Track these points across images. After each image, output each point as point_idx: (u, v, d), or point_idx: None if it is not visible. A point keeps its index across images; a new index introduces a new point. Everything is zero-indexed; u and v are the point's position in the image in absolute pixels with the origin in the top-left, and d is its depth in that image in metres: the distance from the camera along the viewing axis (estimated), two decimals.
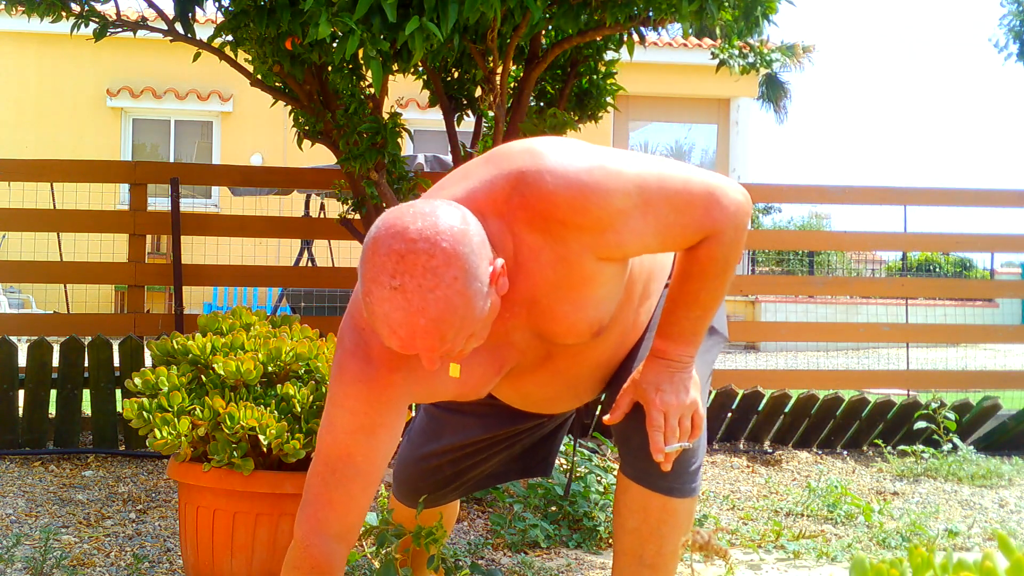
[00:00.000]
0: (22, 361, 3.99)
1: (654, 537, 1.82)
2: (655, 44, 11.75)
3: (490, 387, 1.73)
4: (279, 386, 2.33)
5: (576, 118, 4.30)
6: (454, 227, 1.43)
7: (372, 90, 4.08)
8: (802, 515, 3.53)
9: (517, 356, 1.71)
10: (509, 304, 1.58)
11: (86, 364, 4.00)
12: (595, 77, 4.37)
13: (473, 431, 2.00)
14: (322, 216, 9.18)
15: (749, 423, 4.60)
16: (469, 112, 4.38)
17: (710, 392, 4.49)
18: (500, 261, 1.49)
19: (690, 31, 3.70)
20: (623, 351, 1.84)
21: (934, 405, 4.54)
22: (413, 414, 2.23)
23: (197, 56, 4.31)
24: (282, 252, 9.17)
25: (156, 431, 2.24)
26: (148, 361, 2.97)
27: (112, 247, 5.98)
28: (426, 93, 4.28)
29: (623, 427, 1.81)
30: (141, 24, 4.27)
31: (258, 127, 12.35)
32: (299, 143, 4.36)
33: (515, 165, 1.56)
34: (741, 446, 4.61)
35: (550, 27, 4.06)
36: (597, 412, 2.14)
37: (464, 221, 1.46)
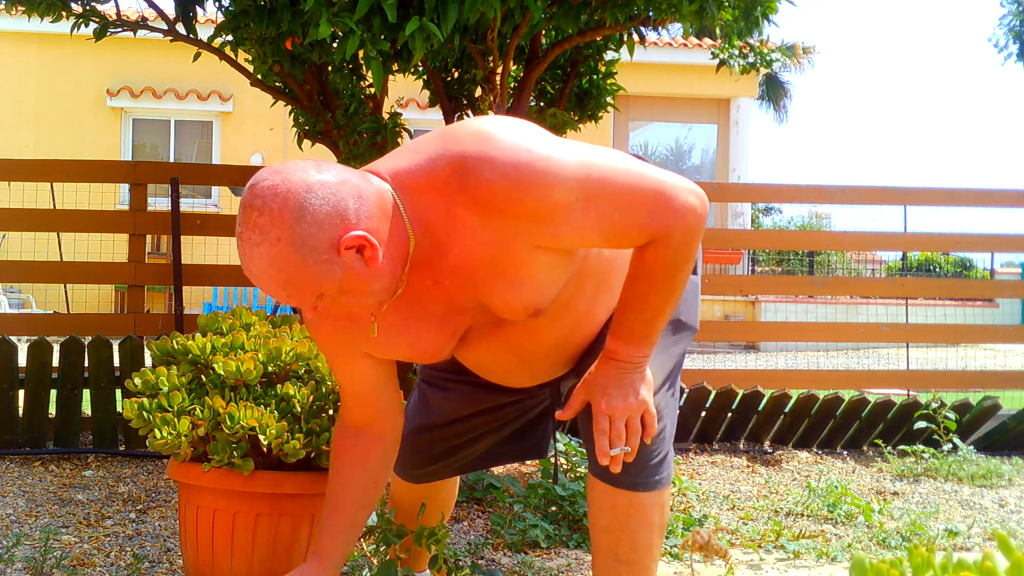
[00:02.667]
0: (22, 361, 3.99)
1: (626, 533, 1.83)
2: (655, 44, 11.76)
3: (447, 351, 1.76)
4: (279, 386, 2.33)
5: (576, 118, 4.30)
6: (297, 192, 1.48)
7: (372, 90, 4.08)
8: (802, 515, 3.53)
9: (468, 321, 1.74)
10: (449, 272, 1.62)
11: (86, 364, 4.00)
12: (595, 77, 4.37)
13: (456, 407, 2.05)
14: None
15: (749, 423, 4.60)
16: (469, 112, 4.39)
17: (710, 392, 4.49)
18: (356, 232, 1.51)
19: (690, 31, 3.71)
20: (578, 338, 1.85)
21: (934, 405, 4.55)
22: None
23: (197, 56, 4.32)
24: None
25: (156, 431, 2.24)
26: (148, 361, 2.97)
27: (112, 247, 5.98)
28: (426, 93, 4.29)
29: (587, 426, 1.83)
30: (141, 24, 4.27)
31: (258, 127, 12.35)
32: (299, 143, 4.36)
33: (460, 147, 1.56)
34: (741, 446, 4.61)
35: (550, 27, 4.06)
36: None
37: (316, 189, 1.49)
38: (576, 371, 1.92)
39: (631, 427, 1.71)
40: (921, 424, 4.54)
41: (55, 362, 4.03)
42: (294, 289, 1.52)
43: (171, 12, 4.16)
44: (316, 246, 1.49)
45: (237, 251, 1.53)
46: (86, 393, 4.06)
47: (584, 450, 3.51)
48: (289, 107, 4.33)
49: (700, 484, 3.87)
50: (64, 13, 4.02)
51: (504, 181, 1.53)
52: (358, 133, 3.85)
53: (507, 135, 1.57)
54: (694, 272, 1.95)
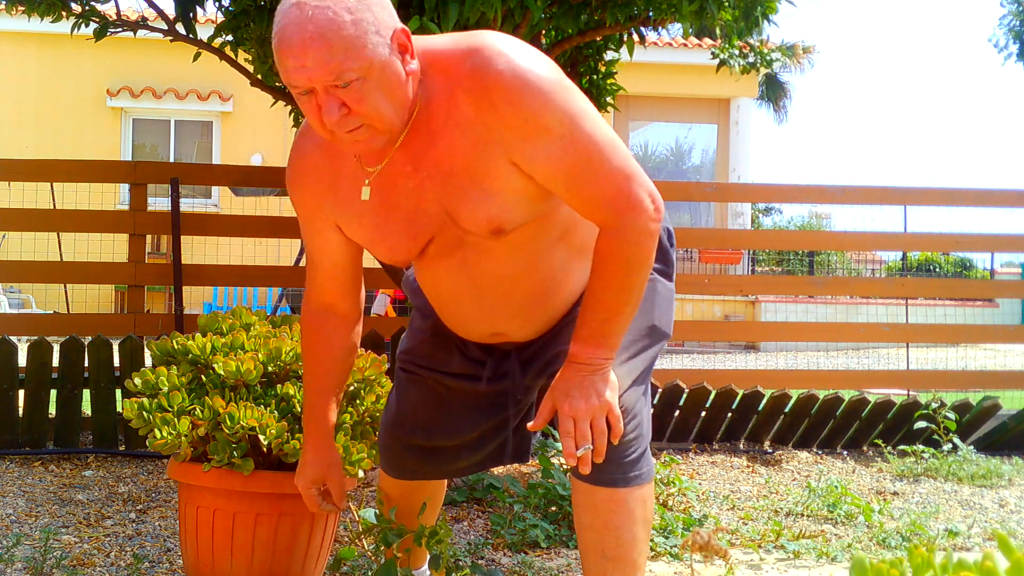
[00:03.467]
0: (22, 361, 3.99)
1: (609, 529, 1.85)
2: (655, 44, 11.76)
3: (409, 254, 1.82)
4: (279, 386, 2.33)
5: None
6: None
7: None
8: (802, 515, 3.53)
9: (432, 230, 1.78)
10: (431, 164, 1.69)
11: (86, 364, 4.00)
12: (595, 77, 4.38)
13: (428, 405, 2.07)
14: None
15: (749, 423, 4.60)
16: None
17: (710, 392, 4.49)
18: (407, 32, 1.60)
19: (690, 31, 3.71)
20: (533, 287, 1.86)
21: (934, 405, 4.55)
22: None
23: (197, 56, 4.32)
24: (282, 252, 9.16)
25: (156, 431, 2.24)
26: (148, 361, 2.97)
27: (112, 247, 5.99)
28: None
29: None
30: (141, 24, 4.27)
31: (258, 127, 12.35)
32: None
33: (482, 40, 1.65)
34: (741, 446, 4.61)
35: (550, 27, 4.06)
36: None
37: None
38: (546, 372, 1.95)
39: (596, 427, 1.74)
40: (921, 424, 4.54)
41: (55, 362, 4.03)
42: (345, 55, 1.53)
43: (171, 12, 4.16)
44: (377, 23, 1.56)
45: (279, 22, 1.56)
46: (86, 393, 4.06)
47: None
48: (289, 107, 4.33)
49: (700, 484, 3.87)
50: (64, 13, 4.02)
51: (511, 79, 1.60)
52: None
53: (528, 51, 1.66)
54: (668, 279, 2.00)
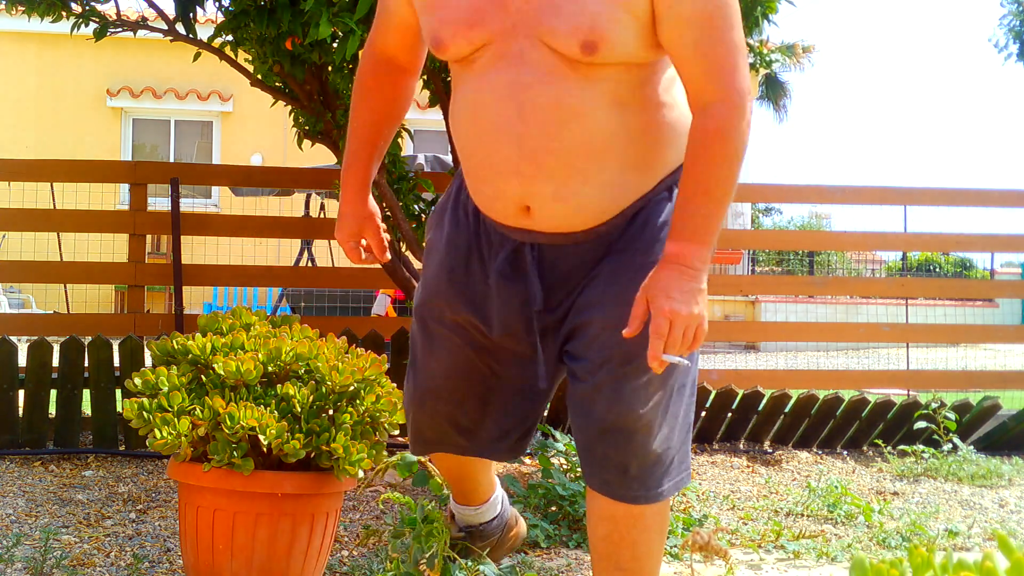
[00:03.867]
0: (22, 361, 3.99)
1: (626, 543, 1.81)
2: None
3: (458, 37, 1.70)
4: (279, 386, 2.33)
5: None
6: None
7: None
8: (802, 515, 3.53)
9: (499, 23, 1.67)
10: None
11: (86, 364, 4.00)
12: None
13: (444, 363, 1.95)
14: (322, 216, 9.18)
15: (749, 423, 4.60)
16: None
17: (710, 392, 4.49)
18: None
19: None
20: (583, 142, 1.70)
21: (934, 405, 4.55)
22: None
23: (197, 56, 4.31)
24: (282, 252, 9.17)
25: (156, 431, 2.24)
26: (148, 361, 2.97)
27: (112, 247, 5.99)
28: (426, 93, 4.28)
29: (585, 438, 1.79)
30: (141, 24, 4.27)
31: (258, 127, 12.35)
32: (299, 143, 4.36)
33: None
34: (741, 446, 4.61)
35: None
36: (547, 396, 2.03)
37: None
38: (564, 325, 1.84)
39: (686, 339, 1.65)
40: (921, 424, 4.54)
41: (55, 362, 4.03)
42: None
43: (171, 12, 4.16)
44: None
45: None
46: (86, 393, 4.06)
47: None
48: (289, 107, 4.33)
49: (700, 484, 3.87)
50: (64, 13, 4.02)
51: None
52: None
53: None
54: None
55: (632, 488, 1.78)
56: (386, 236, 2.04)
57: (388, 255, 2.03)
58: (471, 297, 1.90)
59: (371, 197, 2.01)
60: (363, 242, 2.02)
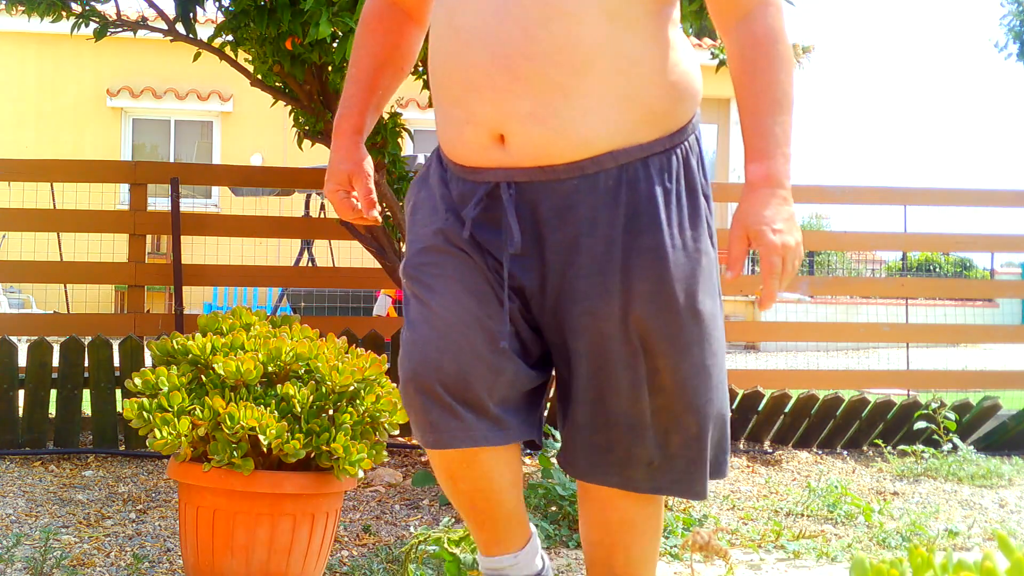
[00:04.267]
0: (22, 361, 3.99)
1: (620, 548, 1.75)
2: None
3: None
4: (279, 386, 2.33)
5: None
6: None
7: None
8: (802, 515, 3.53)
9: None
10: None
11: (86, 364, 4.00)
12: None
13: (443, 312, 1.64)
14: (322, 216, 9.18)
15: (749, 423, 4.60)
16: None
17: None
18: None
19: (690, 31, 3.70)
20: (568, 52, 1.53)
21: (934, 405, 4.55)
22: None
23: (197, 56, 4.32)
24: (282, 252, 9.17)
25: (156, 431, 2.24)
26: (148, 361, 2.97)
27: (112, 247, 5.98)
28: (426, 93, 4.29)
29: (605, 438, 1.65)
30: (141, 24, 4.28)
31: (258, 127, 12.35)
32: (299, 143, 4.36)
33: None
34: (741, 446, 4.61)
35: None
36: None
37: None
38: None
39: (789, 272, 1.53)
40: (921, 424, 4.54)
41: (55, 362, 4.03)
42: None
43: (171, 12, 4.16)
44: None
45: None
46: (86, 393, 4.06)
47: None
48: (289, 107, 4.33)
49: None
50: (64, 13, 4.02)
51: None
52: None
53: None
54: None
55: (656, 479, 1.67)
56: (377, 215, 1.84)
57: (375, 213, 1.82)
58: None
59: (364, 148, 1.85)
60: (354, 194, 1.83)
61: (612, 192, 1.59)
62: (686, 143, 1.65)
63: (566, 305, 1.63)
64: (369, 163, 1.84)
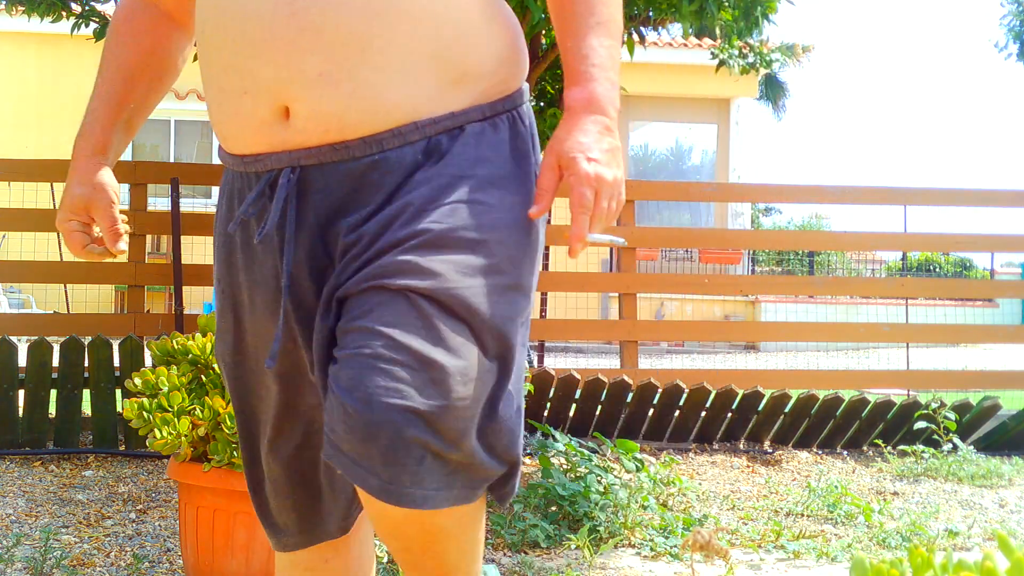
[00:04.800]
0: (22, 361, 3.99)
1: (429, 555, 1.32)
2: (655, 44, 11.76)
3: None
4: None
5: None
6: None
7: None
8: (802, 515, 3.53)
9: None
10: None
11: (86, 364, 4.00)
12: None
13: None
14: None
15: (749, 423, 4.60)
16: None
17: (710, 392, 4.49)
18: None
19: (690, 31, 3.71)
20: (357, 8, 1.26)
21: (934, 405, 4.55)
22: None
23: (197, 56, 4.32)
24: None
25: (156, 431, 2.24)
26: (148, 361, 2.97)
27: None
28: None
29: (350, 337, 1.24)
30: None
31: None
32: None
33: None
34: (741, 446, 4.61)
35: (550, 27, 4.06)
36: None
37: None
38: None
39: (610, 210, 1.30)
40: (921, 424, 4.54)
41: (55, 362, 4.03)
42: None
43: None
44: None
45: None
46: (86, 393, 4.06)
47: (584, 451, 3.50)
48: None
49: (700, 484, 3.87)
50: (64, 13, 4.02)
51: None
52: None
53: None
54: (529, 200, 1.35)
55: (407, 487, 1.21)
56: (125, 227, 1.54)
57: (123, 246, 1.52)
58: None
59: (109, 172, 1.54)
60: (95, 229, 1.53)
61: (416, 169, 1.30)
62: (509, 115, 1.38)
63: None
64: (113, 188, 1.53)
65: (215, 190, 13.41)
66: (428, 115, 1.30)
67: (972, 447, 4.52)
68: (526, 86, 1.45)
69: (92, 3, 4.12)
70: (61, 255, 7.82)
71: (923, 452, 4.48)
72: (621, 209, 1.32)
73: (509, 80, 1.38)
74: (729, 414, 4.58)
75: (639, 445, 3.91)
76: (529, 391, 4.04)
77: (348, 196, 1.29)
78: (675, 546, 2.99)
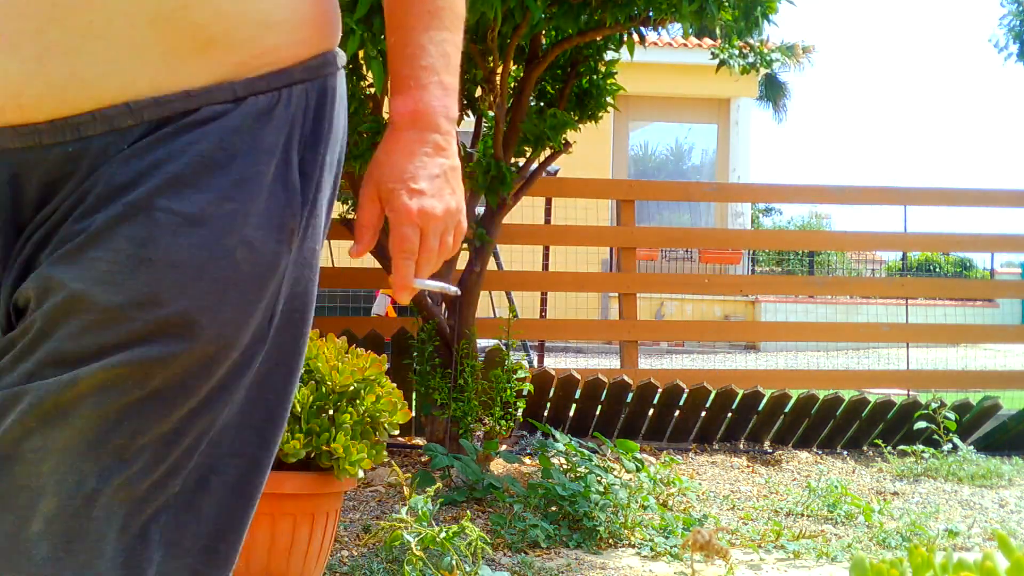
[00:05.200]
0: None
1: None
2: (655, 44, 11.76)
3: None
4: None
5: (576, 118, 4.31)
6: None
7: (373, 90, 4.08)
8: (802, 515, 3.54)
9: None
10: None
11: None
12: (595, 77, 4.37)
13: None
14: None
15: (749, 423, 4.61)
16: (469, 112, 4.39)
17: (710, 392, 4.49)
18: None
19: (690, 31, 3.71)
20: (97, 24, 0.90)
21: (934, 405, 4.55)
22: None
23: None
24: None
25: None
26: None
27: None
28: None
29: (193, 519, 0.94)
30: None
31: None
32: None
33: None
34: (741, 446, 4.61)
35: (550, 27, 4.06)
36: None
37: None
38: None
39: (444, 246, 1.08)
40: (921, 424, 4.55)
41: None
42: None
43: None
44: None
45: None
46: None
47: (584, 451, 3.50)
48: None
49: (700, 484, 3.88)
50: None
51: None
52: (358, 133, 3.85)
53: None
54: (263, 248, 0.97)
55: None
56: None
57: None
58: None
59: None
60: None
61: (123, 168, 0.94)
62: (284, 93, 1.00)
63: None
64: None
65: None
66: (148, 94, 0.95)
67: (972, 447, 4.52)
68: (334, 55, 1.09)
69: None
70: None
71: (923, 452, 4.48)
72: (460, 241, 1.10)
73: (291, 47, 1.01)
74: (729, 414, 4.58)
75: (639, 445, 3.91)
76: (529, 391, 4.04)
77: (45, 191, 0.96)
78: (675, 546, 2.99)
